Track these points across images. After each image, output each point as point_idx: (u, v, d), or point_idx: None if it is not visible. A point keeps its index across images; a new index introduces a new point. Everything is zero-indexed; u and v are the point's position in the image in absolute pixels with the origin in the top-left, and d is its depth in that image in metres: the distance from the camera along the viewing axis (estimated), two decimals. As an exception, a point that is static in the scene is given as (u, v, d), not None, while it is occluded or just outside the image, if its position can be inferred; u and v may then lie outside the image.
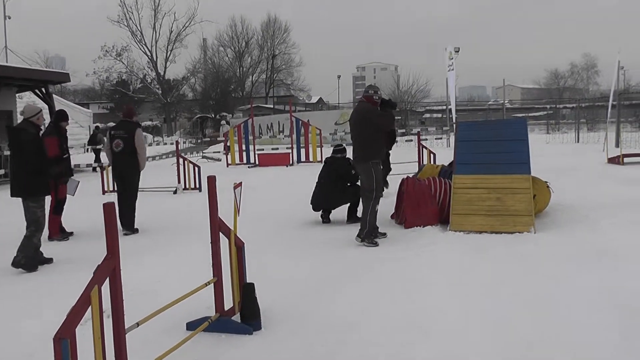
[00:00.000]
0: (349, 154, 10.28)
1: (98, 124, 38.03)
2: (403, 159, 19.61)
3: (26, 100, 26.94)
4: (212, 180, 6.06)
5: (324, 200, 11.16)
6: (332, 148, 12.10)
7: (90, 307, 4.15)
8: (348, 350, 5.35)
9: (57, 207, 10.85)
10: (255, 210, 12.25)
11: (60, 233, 10.87)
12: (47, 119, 13.16)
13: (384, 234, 9.60)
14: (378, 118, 9.44)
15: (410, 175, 11.70)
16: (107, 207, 4.34)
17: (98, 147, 28.29)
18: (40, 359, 5.35)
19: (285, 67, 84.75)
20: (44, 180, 8.93)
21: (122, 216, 10.90)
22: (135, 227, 11.31)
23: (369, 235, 9.33)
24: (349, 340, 5.56)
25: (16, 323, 6.48)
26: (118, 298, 4.39)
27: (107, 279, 4.33)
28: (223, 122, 43.79)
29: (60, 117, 10.69)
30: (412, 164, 17.85)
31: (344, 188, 11.12)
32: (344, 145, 11.83)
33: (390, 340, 5.49)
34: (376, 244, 9.23)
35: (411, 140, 29.51)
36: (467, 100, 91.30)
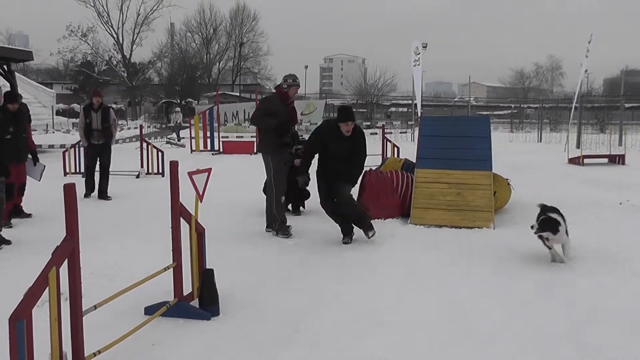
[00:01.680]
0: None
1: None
2: (367, 151, 19.63)
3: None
4: (174, 165, 6.04)
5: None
6: None
7: (47, 289, 4.13)
8: (303, 338, 5.39)
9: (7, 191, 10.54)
10: (218, 197, 12.22)
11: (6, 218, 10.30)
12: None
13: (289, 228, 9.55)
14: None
15: (373, 168, 11.77)
16: (67, 188, 4.32)
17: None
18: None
19: (252, 56, 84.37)
20: None
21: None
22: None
23: (282, 227, 9.45)
24: (304, 329, 5.60)
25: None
26: (76, 280, 4.38)
27: (66, 260, 4.31)
28: (178, 108, 43.54)
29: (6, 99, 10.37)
30: (376, 156, 17.91)
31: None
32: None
33: (346, 330, 5.54)
34: (289, 235, 9.36)
35: (376, 134, 29.62)
36: (434, 96, 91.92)
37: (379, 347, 5.17)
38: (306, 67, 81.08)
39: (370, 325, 5.67)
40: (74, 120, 43.20)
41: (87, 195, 13.35)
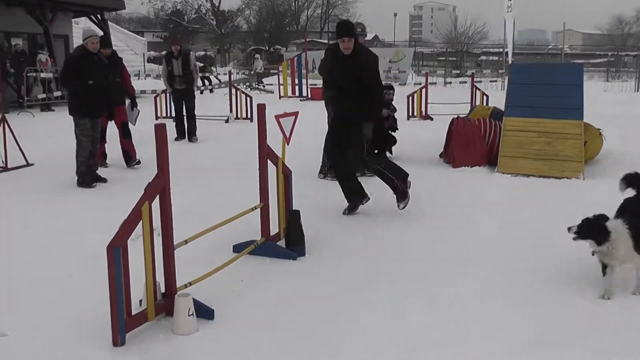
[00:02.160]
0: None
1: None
2: (455, 99, 19.43)
3: (82, 25, 27.20)
4: (261, 108, 6.15)
5: None
6: None
7: (141, 222, 4.33)
8: (384, 281, 5.46)
9: (123, 131, 10.83)
10: (305, 141, 12.34)
11: (101, 159, 10.70)
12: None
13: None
14: None
15: (461, 116, 11.64)
16: (158, 128, 4.48)
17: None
18: (94, 268, 5.60)
19: (341, 3, 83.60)
20: (79, 103, 9.21)
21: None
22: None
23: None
24: (385, 272, 5.68)
25: (70, 236, 6.77)
26: (167, 215, 4.56)
27: (158, 196, 4.50)
28: (257, 55, 43.59)
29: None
30: (464, 105, 17.69)
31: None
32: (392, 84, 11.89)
33: (431, 273, 5.60)
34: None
35: (465, 82, 29.16)
36: (526, 44, 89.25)
37: (463, 289, 5.20)
38: (395, 14, 79.93)
39: (459, 268, 5.73)
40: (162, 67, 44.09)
41: (177, 138, 13.80)
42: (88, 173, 9.30)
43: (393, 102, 11.38)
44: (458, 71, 41.18)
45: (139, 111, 11.45)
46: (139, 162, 10.76)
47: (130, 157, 10.83)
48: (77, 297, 5.09)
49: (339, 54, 7.41)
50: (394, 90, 11.56)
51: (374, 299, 5.08)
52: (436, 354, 4.12)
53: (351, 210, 7.62)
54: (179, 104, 14.07)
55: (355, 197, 7.66)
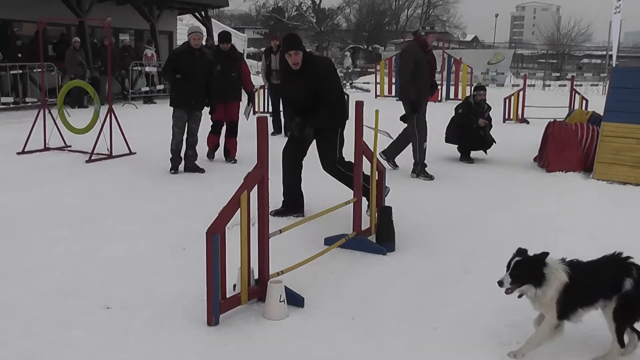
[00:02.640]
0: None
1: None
2: (554, 103, 19.06)
3: (186, 22, 28.03)
4: (359, 105, 6.30)
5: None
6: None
7: (239, 210, 4.55)
8: (471, 279, 5.53)
9: (213, 127, 10.96)
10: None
11: (211, 152, 11.08)
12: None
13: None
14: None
15: (558, 120, 11.46)
16: (260, 121, 4.68)
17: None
18: (190, 252, 5.87)
19: (442, 3, 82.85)
20: (177, 95, 9.65)
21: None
22: None
23: (423, 170, 9.67)
24: (476, 271, 5.72)
25: (168, 220, 7.09)
26: (264, 204, 4.76)
27: (256, 186, 4.70)
28: (347, 53, 43.59)
29: (219, 39, 11.01)
30: (563, 108, 17.34)
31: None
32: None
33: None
34: (431, 178, 9.53)
35: (565, 85, 28.49)
36: (632, 47, 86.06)
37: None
38: (496, 15, 78.67)
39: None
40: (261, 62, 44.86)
41: (274, 133, 13.94)
42: (176, 160, 9.81)
43: (487, 101, 11.39)
44: (558, 74, 40.25)
45: (252, 107, 11.47)
46: (234, 161, 10.89)
47: (229, 155, 10.98)
48: (175, 278, 5.36)
49: (290, 70, 6.98)
50: (485, 90, 11.55)
51: (459, 296, 5.15)
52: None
53: (277, 213, 7.15)
54: (276, 99, 14.27)
55: (289, 204, 7.38)
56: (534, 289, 3.99)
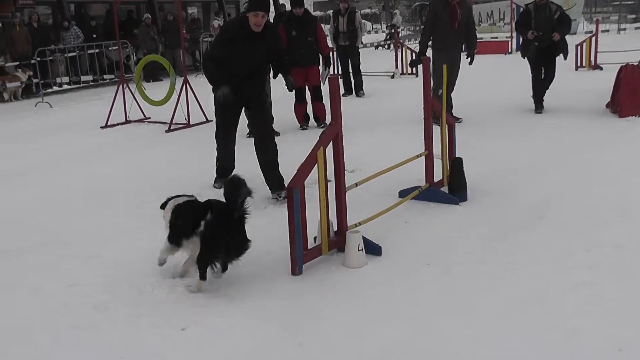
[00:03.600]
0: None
1: None
2: (629, 47, 18.60)
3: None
4: (426, 60, 6.48)
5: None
6: None
7: (316, 166, 4.83)
8: (548, 224, 5.67)
9: (296, 95, 10.67)
10: (471, 94, 12.48)
11: (303, 121, 11.03)
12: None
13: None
14: None
15: (631, 63, 11.25)
16: (332, 81, 4.94)
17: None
18: (273, 210, 6.21)
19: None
20: None
21: None
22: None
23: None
24: (549, 216, 5.86)
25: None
26: (340, 159, 5.03)
27: (331, 142, 4.97)
28: (396, 11, 42.88)
29: (291, 4, 10.96)
30: (636, 52, 16.90)
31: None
32: None
33: (585, 222, 5.68)
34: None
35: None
36: None
37: (622, 237, 5.29)
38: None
39: (613, 215, 5.79)
40: (328, 26, 44.78)
41: (344, 94, 14.10)
42: None
43: None
44: (634, 15, 38.81)
45: (329, 71, 11.44)
46: (326, 125, 10.50)
47: (319, 121, 10.99)
48: (260, 234, 5.66)
49: (246, 31, 6.50)
50: None
51: (530, 243, 5.29)
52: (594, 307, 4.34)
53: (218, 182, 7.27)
54: (344, 60, 14.52)
55: (223, 172, 7.24)
56: None
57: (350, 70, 14.49)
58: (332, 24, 14.44)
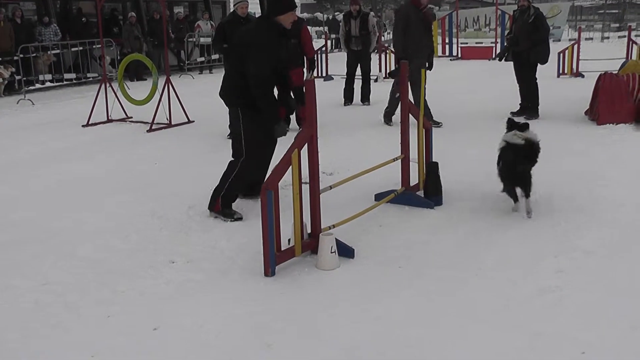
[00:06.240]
0: None
1: None
2: (611, 55, 18.79)
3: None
4: (404, 66, 6.53)
5: None
6: None
7: (290, 167, 4.86)
8: (514, 231, 5.72)
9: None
10: (452, 100, 12.55)
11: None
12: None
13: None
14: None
15: (610, 72, 11.37)
16: (308, 83, 4.98)
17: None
18: (249, 211, 6.24)
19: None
20: None
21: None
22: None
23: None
24: (518, 221, 5.94)
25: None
26: (314, 161, 5.06)
27: (306, 145, 5.00)
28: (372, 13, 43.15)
29: None
30: (620, 60, 17.06)
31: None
32: None
33: (557, 227, 5.73)
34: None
35: (625, 37, 27.85)
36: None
37: (592, 243, 5.38)
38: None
39: (585, 221, 5.86)
40: (316, 28, 44.83)
41: (346, 103, 13.60)
42: None
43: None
44: (617, 24, 39.14)
45: (313, 74, 11.27)
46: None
47: (301, 122, 10.54)
48: (234, 235, 5.73)
49: (277, 33, 6.06)
50: None
51: (500, 248, 5.35)
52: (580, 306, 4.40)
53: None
54: (353, 67, 13.59)
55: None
56: None
57: (360, 76, 13.62)
58: (344, 28, 13.55)
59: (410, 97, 8.08)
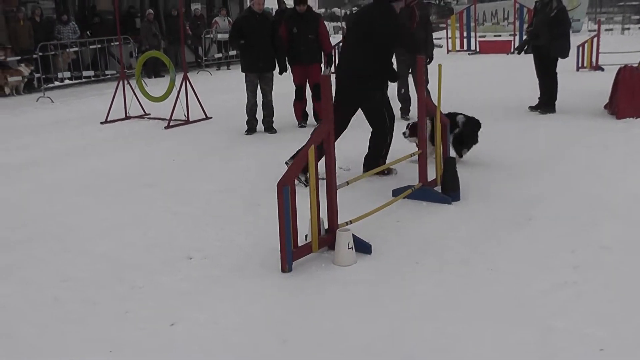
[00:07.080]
0: None
1: None
2: (631, 47, 18.60)
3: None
4: (421, 60, 6.52)
5: None
6: None
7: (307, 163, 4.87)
8: (531, 226, 5.69)
9: (296, 92, 10.78)
10: (470, 94, 12.48)
11: (301, 118, 10.92)
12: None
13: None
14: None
15: (630, 65, 11.25)
16: (324, 79, 4.98)
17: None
18: (266, 207, 6.24)
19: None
20: (244, 60, 10.28)
21: None
22: None
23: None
24: (537, 216, 5.90)
25: (242, 178, 7.47)
26: (331, 157, 5.06)
27: (322, 140, 5.01)
28: None
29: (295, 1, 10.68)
30: (638, 53, 16.88)
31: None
32: None
33: (574, 222, 5.71)
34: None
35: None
36: None
37: (609, 238, 5.32)
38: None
39: (603, 216, 5.82)
40: (334, 23, 44.82)
41: None
42: (251, 122, 10.27)
43: None
44: (638, 16, 38.69)
45: (330, 69, 11.32)
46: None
47: (319, 118, 10.57)
48: (251, 231, 5.74)
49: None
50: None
51: (517, 243, 5.33)
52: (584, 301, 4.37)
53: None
54: None
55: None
56: None
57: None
58: None
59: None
